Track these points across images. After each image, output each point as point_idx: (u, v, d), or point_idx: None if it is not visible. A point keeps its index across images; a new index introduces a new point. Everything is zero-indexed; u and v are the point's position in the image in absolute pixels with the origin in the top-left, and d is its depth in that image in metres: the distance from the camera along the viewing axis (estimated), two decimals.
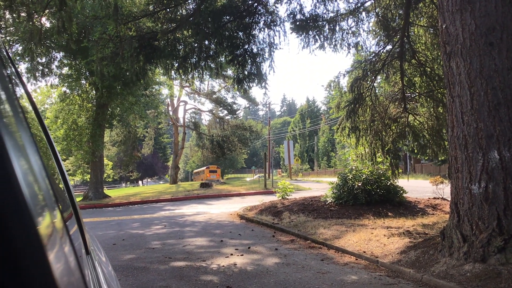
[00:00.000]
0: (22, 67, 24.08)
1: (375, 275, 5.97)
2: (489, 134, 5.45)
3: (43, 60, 24.65)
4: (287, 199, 15.25)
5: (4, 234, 0.51)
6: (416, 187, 22.42)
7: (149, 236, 10.17)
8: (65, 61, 25.53)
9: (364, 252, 7.24)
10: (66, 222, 1.11)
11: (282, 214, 11.93)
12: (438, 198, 13.35)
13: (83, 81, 25.83)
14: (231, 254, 7.60)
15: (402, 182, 15.34)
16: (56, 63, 25.53)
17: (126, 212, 17.67)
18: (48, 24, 19.11)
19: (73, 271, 0.71)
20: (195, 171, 70.68)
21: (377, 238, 7.88)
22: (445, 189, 13.29)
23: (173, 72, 13.68)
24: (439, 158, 15.02)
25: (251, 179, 50.68)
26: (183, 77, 13.48)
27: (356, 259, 7.09)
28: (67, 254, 0.70)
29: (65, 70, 25.73)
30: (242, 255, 7.54)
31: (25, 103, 1.33)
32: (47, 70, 24.98)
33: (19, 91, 1.29)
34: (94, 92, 26.09)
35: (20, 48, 22.20)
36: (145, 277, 6.16)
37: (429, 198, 13.56)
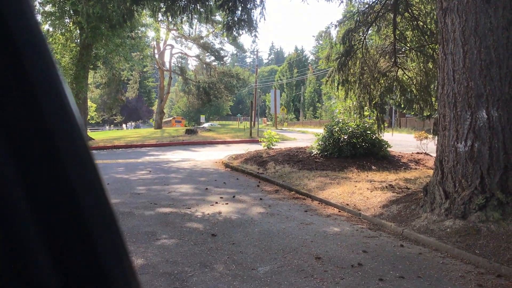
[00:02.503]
0: None
1: (357, 228, 6.10)
2: (479, 93, 5.44)
3: None
4: (273, 149, 15.31)
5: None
6: (400, 141, 22.67)
7: (134, 181, 10.20)
8: None
9: (347, 204, 7.36)
10: None
11: (267, 164, 12.00)
12: (421, 153, 13.52)
13: (67, 20, 24.98)
14: (216, 203, 7.67)
15: (387, 136, 15.46)
16: None
17: (110, 156, 17.62)
18: None
19: None
20: (163, 120, 74.22)
21: (360, 191, 8.01)
22: (429, 144, 13.46)
23: (160, 14, 13.25)
24: (425, 114, 15.10)
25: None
26: (170, 20, 13.09)
27: (339, 211, 7.22)
28: None
29: (48, 7, 24.79)
30: (227, 203, 7.62)
31: None
32: None
33: None
34: (78, 31, 25.31)
35: None
36: (130, 222, 6.20)
37: (412, 153, 13.73)
